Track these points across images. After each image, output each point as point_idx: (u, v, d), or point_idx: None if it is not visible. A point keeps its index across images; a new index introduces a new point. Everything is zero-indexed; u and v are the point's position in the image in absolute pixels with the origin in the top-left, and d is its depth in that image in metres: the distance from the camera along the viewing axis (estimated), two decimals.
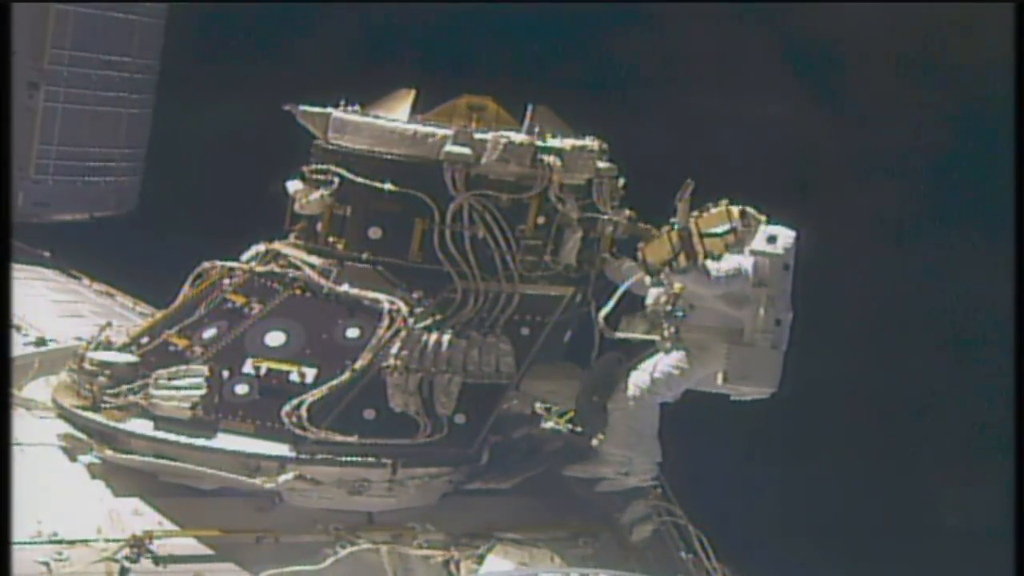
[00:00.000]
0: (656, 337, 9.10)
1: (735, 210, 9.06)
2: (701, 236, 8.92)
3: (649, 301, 9.16)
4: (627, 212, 9.43)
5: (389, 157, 9.13)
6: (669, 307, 9.01)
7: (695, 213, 8.97)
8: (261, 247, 9.60)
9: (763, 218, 9.16)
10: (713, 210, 9.06)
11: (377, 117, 9.29)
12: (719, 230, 9.00)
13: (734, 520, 10.91)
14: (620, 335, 9.19)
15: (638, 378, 9.16)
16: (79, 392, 9.23)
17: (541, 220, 9.18)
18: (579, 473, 9.39)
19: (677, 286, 8.97)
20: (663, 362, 9.12)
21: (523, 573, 8.73)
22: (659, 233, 9.07)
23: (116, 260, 14.07)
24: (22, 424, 9.07)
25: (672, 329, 9.03)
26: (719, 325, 9.04)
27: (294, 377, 8.97)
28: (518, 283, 9.16)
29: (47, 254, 13.97)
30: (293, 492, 8.89)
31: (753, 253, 9.03)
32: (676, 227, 8.88)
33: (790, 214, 9.23)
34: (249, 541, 8.68)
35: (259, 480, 8.80)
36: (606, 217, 9.34)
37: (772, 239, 9.06)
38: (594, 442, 9.32)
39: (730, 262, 9.00)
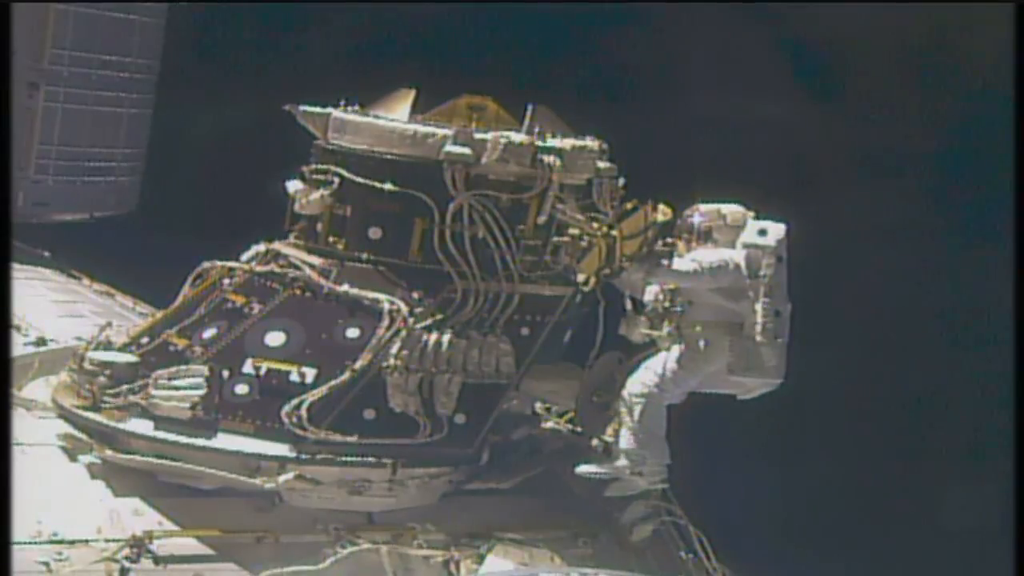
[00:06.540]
0: (657, 334, 9.10)
1: (649, 208, 8.90)
2: (623, 240, 8.76)
3: (648, 299, 9.15)
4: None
5: (389, 157, 9.12)
6: (667, 304, 9.02)
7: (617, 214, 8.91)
8: (261, 247, 9.59)
9: (752, 214, 9.17)
10: (629, 208, 8.90)
11: (377, 117, 9.28)
12: (637, 232, 8.85)
13: (734, 520, 10.91)
14: (641, 333, 9.14)
15: (643, 377, 9.11)
16: (79, 392, 9.21)
17: (541, 220, 9.18)
18: (593, 471, 9.18)
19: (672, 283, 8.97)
20: (666, 359, 9.09)
21: (523, 573, 8.72)
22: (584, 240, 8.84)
23: (116, 260, 14.06)
24: (22, 424, 9.05)
25: (672, 325, 9.03)
26: (719, 319, 9.03)
27: (294, 377, 8.96)
28: (518, 283, 9.14)
29: (47, 254, 13.96)
30: (293, 492, 8.88)
31: (745, 246, 9.04)
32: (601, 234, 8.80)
33: (789, 214, 9.23)
34: (249, 541, 8.66)
35: (259, 480, 8.79)
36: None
37: (763, 232, 9.07)
38: (594, 442, 9.30)
39: (714, 255, 9.01)
